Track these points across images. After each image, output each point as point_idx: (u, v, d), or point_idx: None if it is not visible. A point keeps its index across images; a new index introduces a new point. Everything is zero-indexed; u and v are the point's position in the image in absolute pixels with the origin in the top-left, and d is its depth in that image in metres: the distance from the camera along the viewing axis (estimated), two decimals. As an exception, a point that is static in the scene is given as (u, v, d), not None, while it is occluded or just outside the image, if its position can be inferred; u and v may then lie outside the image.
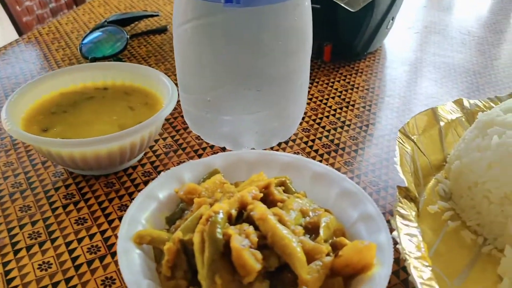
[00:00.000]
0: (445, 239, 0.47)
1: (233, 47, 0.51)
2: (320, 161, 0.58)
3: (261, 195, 0.40)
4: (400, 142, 0.51)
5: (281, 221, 0.38)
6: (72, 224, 0.49)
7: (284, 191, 0.44)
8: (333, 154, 0.61)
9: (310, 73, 0.66)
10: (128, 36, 0.84)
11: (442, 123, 0.58)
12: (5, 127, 0.50)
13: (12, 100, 0.55)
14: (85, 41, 0.84)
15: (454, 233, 0.48)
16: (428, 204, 0.51)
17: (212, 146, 0.61)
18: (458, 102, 0.62)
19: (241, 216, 0.39)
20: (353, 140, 0.63)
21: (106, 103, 0.60)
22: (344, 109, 0.71)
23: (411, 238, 0.40)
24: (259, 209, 0.37)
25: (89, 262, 0.44)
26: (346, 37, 0.82)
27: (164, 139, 0.63)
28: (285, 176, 0.45)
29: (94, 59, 0.81)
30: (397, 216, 0.41)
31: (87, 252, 0.46)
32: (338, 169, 0.57)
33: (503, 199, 0.45)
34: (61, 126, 0.55)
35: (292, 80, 0.56)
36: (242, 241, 0.35)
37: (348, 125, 0.67)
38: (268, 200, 0.41)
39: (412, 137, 0.54)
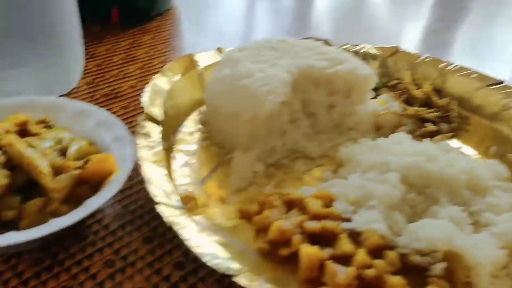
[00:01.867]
0: (198, 155, 0.59)
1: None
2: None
3: (15, 129, 0.46)
4: (157, 82, 0.61)
5: (30, 145, 0.44)
6: None
7: (46, 128, 0.50)
8: (114, 102, 0.68)
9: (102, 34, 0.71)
10: None
11: (199, 67, 0.69)
12: None
13: None
14: None
15: (206, 150, 0.60)
16: (188, 129, 0.62)
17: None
18: (218, 50, 0.74)
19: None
20: (132, 88, 0.71)
21: None
22: (130, 62, 0.78)
23: (151, 149, 0.50)
24: (7, 138, 0.43)
25: None
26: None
27: None
28: (47, 115, 0.51)
29: None
30: (141, 135, 0.50)
31: None
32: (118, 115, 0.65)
33: (232, 116, 0.58)
34: None
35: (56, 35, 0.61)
36: (-15, 162, 0.40)
37: (129, 76, 0.74)
38: (26, 135, 0.47)
39: (173, 78, 0.64)
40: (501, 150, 0.64)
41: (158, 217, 0.49)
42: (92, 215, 0.49)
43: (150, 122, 0.53)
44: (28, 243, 0.43)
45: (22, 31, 0.58)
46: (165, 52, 0.84)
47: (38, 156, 0.43)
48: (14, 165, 0.42)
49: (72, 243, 0.46)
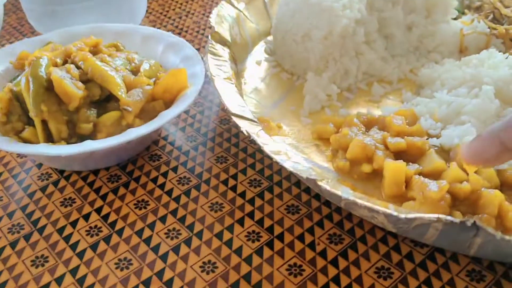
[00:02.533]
0: (267, 82, 0.56)
1: None
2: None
3: (87, 48, 0.45)
4: (223, 8, 0.58)
5: (103, 61, 0.43)
6: (85, 237, 0.38)
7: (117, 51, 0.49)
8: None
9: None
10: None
11: (265, -6, 0.66)
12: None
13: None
14: None
15: (275, 76, 0.57)
16: (255, 59, 0.59)
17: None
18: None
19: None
20: (196, 24, 0.70)
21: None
22: (191, 1, 0.76)
23: (220, 67, 0.47)
24: (81, 54, 0.43)
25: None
26: None
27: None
28: (117, 41, 0.51)
29: None
30: (210, 54, 0.48)
31: (116, 269, 0.36)
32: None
33: (303, 37, 0.54)
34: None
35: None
36: (62, 74, 0.40)
37: (192, 14, 0.73)
38: (97, 55, 0.47)
39: (237, 5, 0.61)
40: None
41: (230, 138, 0.48)
42: (165, 137, 0.48)
43: (219, 44, 0.51)
44: (106, 158, 0.43)
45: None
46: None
47: (112, 69, 0.42)
48: (89, 79, 0.41)
49: (147, 162, 0.46)
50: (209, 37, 0.51)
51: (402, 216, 0.32)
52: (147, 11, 0.73)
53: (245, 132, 0.39)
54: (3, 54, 0.48)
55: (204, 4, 0.76)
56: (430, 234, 0.34)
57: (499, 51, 0.60)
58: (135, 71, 0.46)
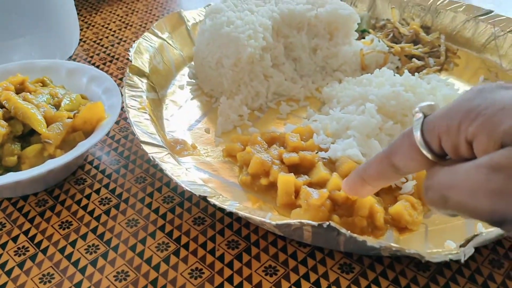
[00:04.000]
0: (188, 105, 0.62)
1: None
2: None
3: (12, 87, 0.50)
4: (146, 39, 0.64)
5: (26, 99, 0.48)
6: (13, 257, 0.44)
7: (43, 86, 0.54)
8: (110, 65, 0.72)
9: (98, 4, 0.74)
10: None
11: (189, 23, 0.72)
12: None
13: None
14: None
15: (195, 99, 0.63)
16: (179, 83, 0.66)
17: None
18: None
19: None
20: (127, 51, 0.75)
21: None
22: (125, 29, 0.82)
23: (135, 98, 0.53)
24: (5, 94, 0.48)
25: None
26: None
27: None
28: (44, 76, 0.56)
29: None
30: (126, 86, 0.54)
31: (40, 283, 0.41)
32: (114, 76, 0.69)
33: (217, 64, 0.61)
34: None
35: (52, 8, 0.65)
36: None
37: (125, 41, 0.78)
38: (21, 93, 0.52)
39: (161, 35, 0.67)
40: (492, 79, 0.64)
41: (149, 159, 0.53)
42: (91, 162, 0.54)
43: (136, 75, 0.57)
44: (32, 184, 0.48)
45: (21, 5, 0.62)
46: (160, 16, 0.87)
47: (33, 107, 0.47)
48: (11, 116, 0.47)
49: (72, 186, 0.51)
50: (127, 70, 0.57)
51: (273, 222, 0.38)
52: (81, 39, 0.78)
53: (151, 157, 0.45)
54: None
55: (136, 31, 0.81)
56: (306, 235, 0.41)
57: (396, 66, 0.68)
58: (57, 105, 0.51)
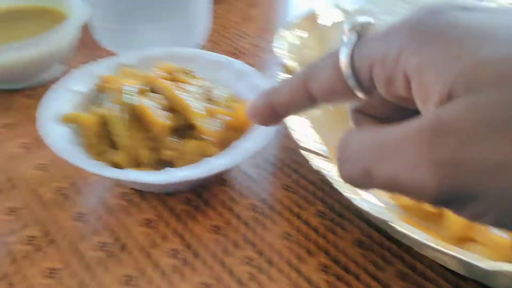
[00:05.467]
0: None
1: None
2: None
3: (166, 75, 0.48)
4: (284, 37, 0.60)
5: (180, 89, 0.45)
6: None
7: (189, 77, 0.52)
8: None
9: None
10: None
11: (323, 23, 0.67)
12: None
13: None
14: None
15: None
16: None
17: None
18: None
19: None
20: (253, 45, 0.72)
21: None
22: (247, 22, 0.78)
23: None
24: (160, 82, 0.45)
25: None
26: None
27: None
28: (187, 66, 0.53)
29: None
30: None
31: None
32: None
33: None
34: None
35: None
36: (149, 103, 0.42)
37: (248, 35, 0.75)
38: (174, 81, 0.49)
39: (300, 34, 0.63)
40: None
41: (298, 169, 0.50)
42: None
43: (288, 74, 0.53)
44: (183, 183, 0.45)
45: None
46: (281, 11, 0.84)
47: (193, 100, 0.44)
48: (172, 107, 0.44)
49: (217, 186, 0.48)
50: (281, 70, 0.52)
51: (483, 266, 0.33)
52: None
53: (314, 167, 0.41)
54: (82, 75, 0.51)
55: (259, 26, 0.78)
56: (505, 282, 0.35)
57: None
58: (209, 99, 0.48)
